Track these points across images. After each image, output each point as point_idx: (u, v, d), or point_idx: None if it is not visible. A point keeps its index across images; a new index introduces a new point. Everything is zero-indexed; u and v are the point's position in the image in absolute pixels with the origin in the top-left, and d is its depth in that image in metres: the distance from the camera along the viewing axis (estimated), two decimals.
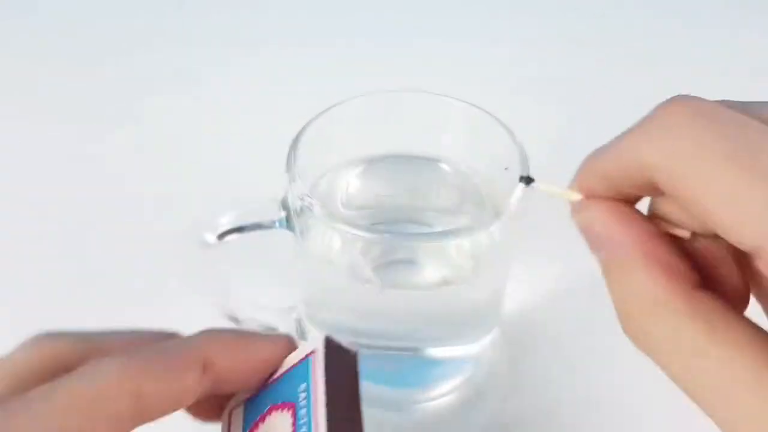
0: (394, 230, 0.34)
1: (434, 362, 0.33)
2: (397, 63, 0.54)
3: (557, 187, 0.20)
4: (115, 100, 0.52)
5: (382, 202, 0.34)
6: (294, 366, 0.21)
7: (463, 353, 0.33)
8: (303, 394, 0.20)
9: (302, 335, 0.34)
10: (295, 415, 0.20)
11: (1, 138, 0.49)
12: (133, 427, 0.19)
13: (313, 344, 0.21)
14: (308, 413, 0.20)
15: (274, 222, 0.29)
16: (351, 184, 0.33)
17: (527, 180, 0.24)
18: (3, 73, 0.55)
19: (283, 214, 0.29)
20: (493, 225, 0.27)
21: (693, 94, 0.17)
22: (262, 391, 0.22)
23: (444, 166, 0.33)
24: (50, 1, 0.62)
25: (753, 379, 0.14)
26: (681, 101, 0.16)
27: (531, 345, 0.37)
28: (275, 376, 0.22)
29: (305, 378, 0.21)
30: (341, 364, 0.21)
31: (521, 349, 0.37)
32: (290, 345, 0.22)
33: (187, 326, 0.37)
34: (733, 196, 0.15)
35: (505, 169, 0.29)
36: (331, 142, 0.32)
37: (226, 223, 0.29)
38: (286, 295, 0.35)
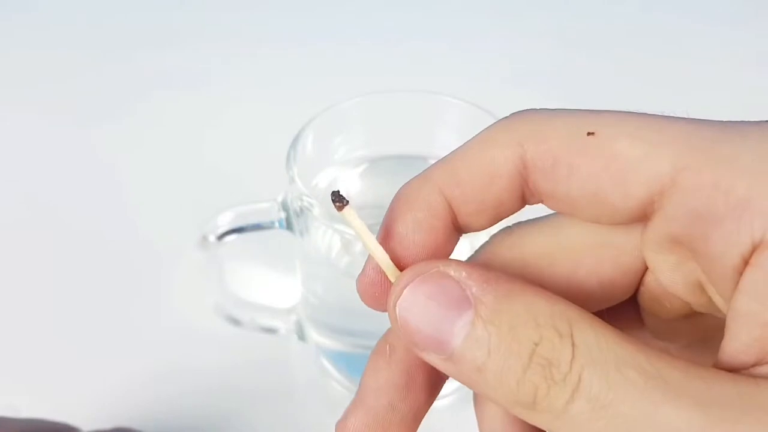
0: None
1: None
2: (397, 63, 0.54)
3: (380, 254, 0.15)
4: (114, 99, 0.52)
5: (383, 203, 0.34)
6: None
7: None
8: None
9: (302, 337, 0.34)
10: None
11: (3, 134, 0.49)
12: None
13: None
14: None
15: (273, 222, 0.29)
16: (351, 184, 0.33)
17: (338, 201, 0.17)
18: (4, 70, 0.55)
19: (282, 214, 0.29)
20: (493, 225, 0.27)
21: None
22: None
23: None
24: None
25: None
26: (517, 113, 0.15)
27: None
28: None
29: None
30: None
31: None
32: None
33: (187, 326, 0.37)
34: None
35: None
36: (330, 142, 0.32)
37: (225, 224, 0.29)
38: (286, 296, 0.35)
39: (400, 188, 0.16)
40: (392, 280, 0.15)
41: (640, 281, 0.16)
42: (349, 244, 0.30)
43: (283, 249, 0.37)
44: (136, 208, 0.44)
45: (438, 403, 0.34)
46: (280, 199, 0.29)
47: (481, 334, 0.13)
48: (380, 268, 0.15)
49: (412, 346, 0.14)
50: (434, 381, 0.16)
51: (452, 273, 0.14)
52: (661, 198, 0.14)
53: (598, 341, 0.13)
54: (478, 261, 0.17)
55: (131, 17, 0.60)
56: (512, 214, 0.16)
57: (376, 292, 0.16)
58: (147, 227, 0.42)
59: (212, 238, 0.29)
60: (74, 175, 0.46)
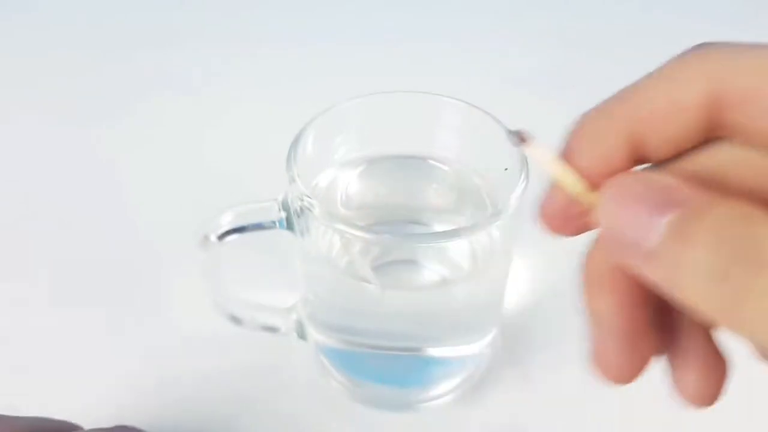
0: (393, 231, 0.34)
1: (434, 362, 0.33)
2: (397, 64, 0.54)
3: (569, 176, 0.16)
4: (116, 99, 0.52)
5: (382, 203, 0.35)
6: None
7: (463, 353, 0.34)
8: None
9: (302, 335, 0.34)
10: None
11: (3, 134, 0.49)
12: None
13: None
14: None
15: (274, 222, 0.29)
16: (351, 184, 0.34)
17: (517, 136, 0.17)
18: (4, 70, 0.55)
19: (283, 214, 0.29)
20: (493, 225, 0.27)
21: None
22: None
23: (443, 166, 0.33)
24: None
25: None
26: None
27: (531, 344, 0.37)
28: None
29: None
30: None
31: (521, 348, 0.37)
32: None
33: (187, 325, 0.37)
34: None
35: (505, 169, 0.29)
36: (330, 142, 0.32)
37: (226, 224, 0.29)
38: (287, 295, 0.36)
39: (579, 121, 0.16)
40: (585, 201, 0.16)
41: None
42: (349, 243, 0.30)
43: (283, 249, 0.37)
44: (136, 208, 0.44)
45: (438, 403, 0.35)
46: (280, 199, 0.29)
47: (683, 231, 0.13)
48: (564, 196, 0.16)
49: (614, 248, 0.14)
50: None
51: (659, 179, 0.14)
52: None
53: None
54: None
55: (131, 17, 0.60)
56: (695, 146, 0.15)
57: (562, 218, 0.17)
58: (147, 227, 0.42)
59: (213, 237, 0.29)
60: (75, 175, 0.46)
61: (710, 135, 0.15)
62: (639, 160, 0.16)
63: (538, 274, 0.40)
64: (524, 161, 0.28)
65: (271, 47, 0.57)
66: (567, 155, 0.16)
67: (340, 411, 0.34)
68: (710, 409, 0.18)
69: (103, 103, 0.52)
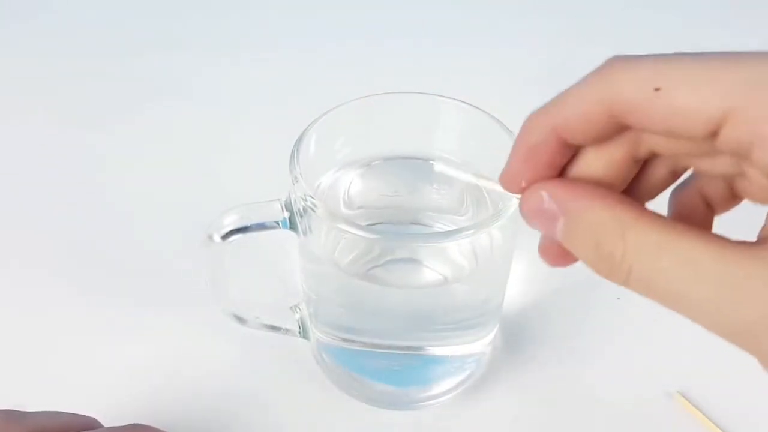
0: (395, 230, 0.34)
1: (435, 361, 0.33)
2: (398, 65, 0.55)
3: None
4: (119, 101, 0.52)
5: (384, 203, 0.35)
6: None
7: (464, 352, 0.34)
8: None
9: (305, 334, 0.35)
10: None
11: (7, 139, 0.50)
12: None
13: None
14: None
15: (277, 222, 0.30)
16: (353, 184, 0.34)
17: None
18: (6, 74, 0.55)
19: (286, 214, 0.29)
20: (494, 225, 0.27)
21: None
22: None
23: (445, 166, 0.34)
24: (52, 4, 0.62)
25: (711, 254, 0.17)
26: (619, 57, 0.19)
27: (531, 343, 0.37)
28: None
29: None
30: None
31: (521, 347, 0.37)
32: None
33: (191, 325, 0.37)
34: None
35: None
36: (333, 143, 0.32)
37: (230, 224, 0.29)
38: (290, 294, 0.36)
39: (526, 120, 0.21)
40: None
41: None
42: (350, 243, 0.30)
43: (286, 248, 0.37)
44: (141, 209, 0.44)
45: (439, 401, 0.35)
46: (283, 199, 0.30)
47: (567, 235, 0.20)
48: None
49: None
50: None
51: (544, 194, 0.20)
52: (718, 128, 0.17)
53: (644, 237, 0.18)
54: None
55: (135, 21, 0.61)
56: (612, 136, 0.20)
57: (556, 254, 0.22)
58: (152, 228, 0.43)
59: (217, 237, 0.30)
60: (79, 177, 0.47)
61: (617, 127, 0.19)
62: (565, 144, 0.20)
63: (538, 274, 0.40)
64: None
65: (274, 51, 0.57)
66: (517, 145, 0.21)
67: (342, 409, 0.34)
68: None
69: (107, 106, 0.52)
